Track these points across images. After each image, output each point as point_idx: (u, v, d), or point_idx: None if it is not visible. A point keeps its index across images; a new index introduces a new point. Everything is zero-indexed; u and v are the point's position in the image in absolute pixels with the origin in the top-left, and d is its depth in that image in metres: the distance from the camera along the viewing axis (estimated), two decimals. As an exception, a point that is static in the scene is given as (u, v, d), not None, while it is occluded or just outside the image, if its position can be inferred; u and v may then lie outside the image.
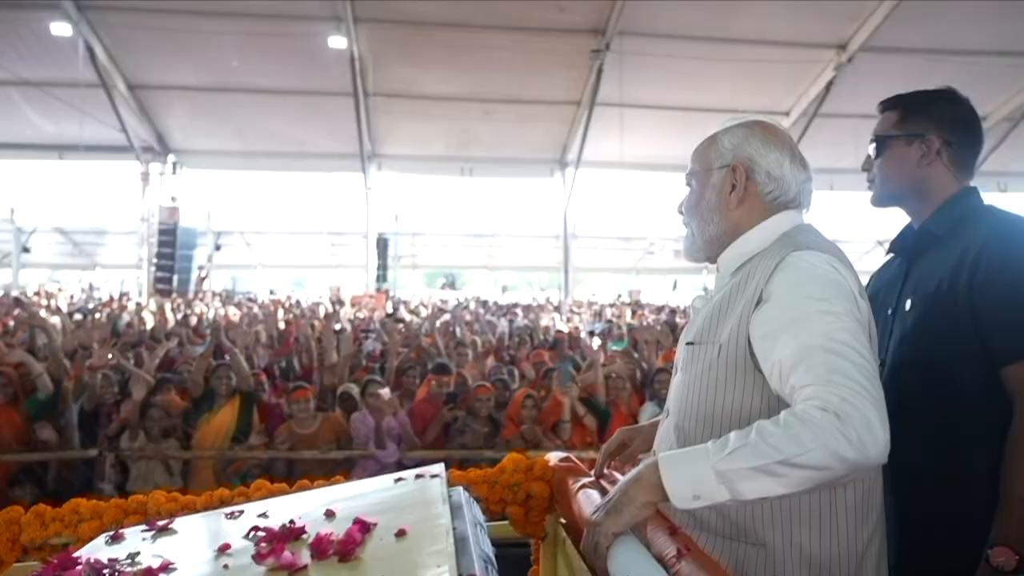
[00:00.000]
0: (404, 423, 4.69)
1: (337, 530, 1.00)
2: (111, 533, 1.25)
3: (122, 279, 18.28)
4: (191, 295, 15.37)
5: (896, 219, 1.74)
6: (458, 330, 8.83)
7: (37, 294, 15.66)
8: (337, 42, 13.81)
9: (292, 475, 4.49)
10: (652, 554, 1.15)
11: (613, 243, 22.71)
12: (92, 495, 4.53)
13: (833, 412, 1.06)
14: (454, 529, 1.00)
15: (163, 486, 4.54)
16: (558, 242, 23.17)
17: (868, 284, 1.76)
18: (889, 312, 1.61)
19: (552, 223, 21.16)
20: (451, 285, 23.99)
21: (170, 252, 15.27)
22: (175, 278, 15.31)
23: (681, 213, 1.52)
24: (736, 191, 1.42)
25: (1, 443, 4.54)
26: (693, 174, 1.49)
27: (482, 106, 16.18)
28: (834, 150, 16.97)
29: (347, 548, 0.94)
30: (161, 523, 1.24)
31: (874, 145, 1.67)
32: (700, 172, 1.47)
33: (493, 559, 1.03)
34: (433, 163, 18.46)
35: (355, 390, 5.02)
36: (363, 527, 1.00)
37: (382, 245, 19.04)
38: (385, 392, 4.71)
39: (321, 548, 0.95)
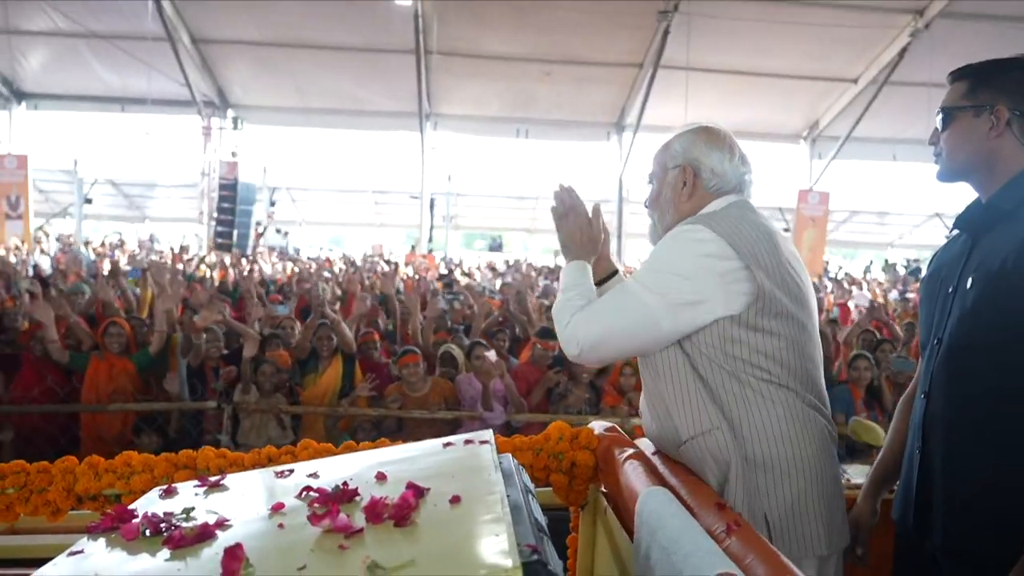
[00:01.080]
0: (509, 385, 4.71)
1: (389, 494, 0.98)
2: (164, 487, 1.25)
3: (183, 235, 18.51)
4: (249, 251, 15.55)
5: (958, 192, 1.68)
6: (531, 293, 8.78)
7: (102, 245, 15.98)
8: (403, -2, 13.73)
9: (401, 433, 4.57)
10: (703, 527, 1.17)
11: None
12: (209, 445, 4.66)
13: (573, 320, 1.58)
14: (507, 497, 0.97)
15: (275, 439, 4.68)
16: (605, 207, 22.91)
17: (930, 262, 1.71)
18: (950, 290, 1.54)
19: (599, 187, 20.98)
20: (497, 248, 23.97)
21: (230, 207, 15.30)
22: (235, 233, 15.41)
23: (646, 207, 1.78)
24: (686, 187, 1.67)
25: (121, 392, 4.67)
26: (653, 174, 1.75)
27: (542, 67, 15.98)
28: (901, 120, 16.55)
29: (402, 513, 0.92)
30: (213, 479, 1.24)
31: (941, 117, 1.58)
32: (658, 172, 1.74)
33: (546, 528, 1.01)
34: (489, 124, 18.33)
35: (456, 351, 5.06)
36: (417, 492, 0.98)
37: (431, 205, 19.06)
38: (491, 355, 4.74)
39: (375, 512, 0.93)
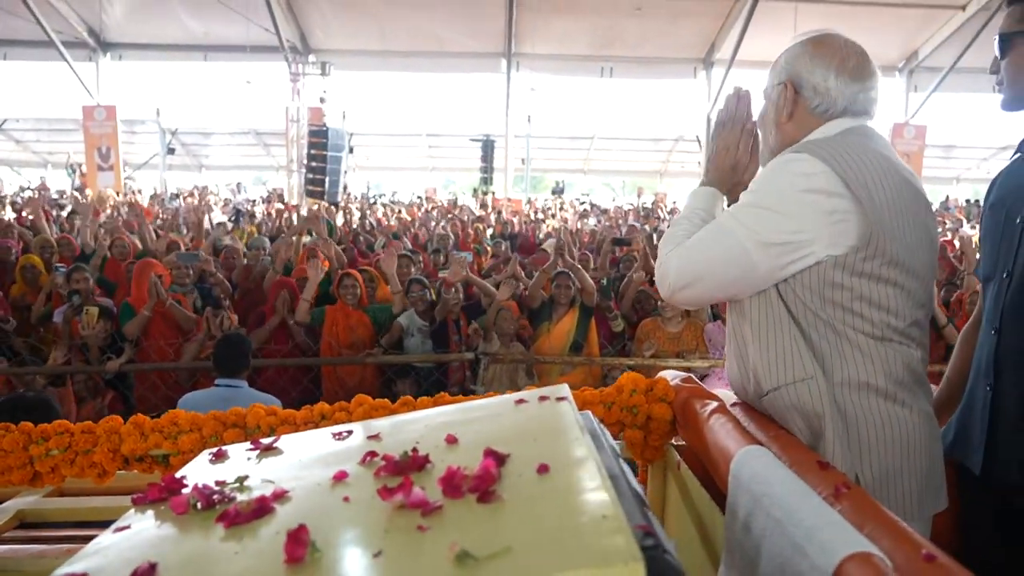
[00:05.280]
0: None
1: (464, 461, 0.85)
2: (213, 451, 1.15)
3: (266, 181, 18.47)
4: (339, 199, 15.41)
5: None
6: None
7: (191, 195, 16.02)
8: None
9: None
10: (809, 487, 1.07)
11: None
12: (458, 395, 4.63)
13: (670, 255, 1.45)
14: (602, 465, 0.83)
15: (522, 387, 4.63)
16: (655, 145, 22.59)
17: (990, 190, 1.62)
18: (1018, 220, 1.44)
19: (683, 126, 20.55)
20: (560, 191, 23.72)
21: (322, 155, 15.12)
22: (327, 181, 15.23)
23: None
24: (787, 106, 1.49)
25: (360, 344, 4.64)
26: (764, 91, 1.58)
27: (634, 0, 15.45)
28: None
29: (484, 485, 0.79)
30: (266, 442, 1.13)
31: (998, 44, 1.48)
32: (768, 89, 1.56)
33: (645, 498, 0.87)
34: (573, 63, 17.86)
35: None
36: (497, 459, 0.85)
37: (488, 148, 18.80)
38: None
39: (453, 484, 0.80)
